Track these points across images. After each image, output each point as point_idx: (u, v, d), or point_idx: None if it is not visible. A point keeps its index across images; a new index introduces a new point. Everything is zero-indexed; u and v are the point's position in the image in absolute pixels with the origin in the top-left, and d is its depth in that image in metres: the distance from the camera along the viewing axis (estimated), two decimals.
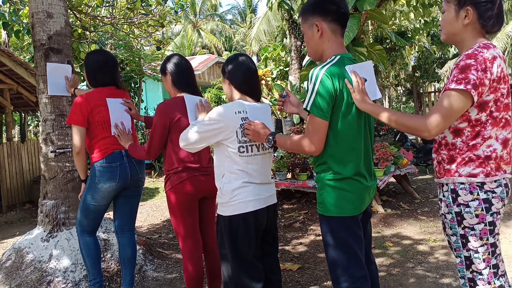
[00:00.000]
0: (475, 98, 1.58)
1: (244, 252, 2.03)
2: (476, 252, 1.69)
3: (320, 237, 4.35)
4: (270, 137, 1.96)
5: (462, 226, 1.70)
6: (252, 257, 2.05)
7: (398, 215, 5.10)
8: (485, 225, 1.67)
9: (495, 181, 1.67)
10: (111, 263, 3.33)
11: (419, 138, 10.73)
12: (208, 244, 2.62)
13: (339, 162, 1.79)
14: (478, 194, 1.66)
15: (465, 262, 1.73)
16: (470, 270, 1.73)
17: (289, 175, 5.48)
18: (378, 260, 3.51)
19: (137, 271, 3.36)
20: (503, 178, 1.70)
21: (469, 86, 1.56)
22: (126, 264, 2.87)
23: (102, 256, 3.23)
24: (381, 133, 7.39)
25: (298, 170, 5.33)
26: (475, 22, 1.68)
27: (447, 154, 1.74)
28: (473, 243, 1.69)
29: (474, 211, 1.66)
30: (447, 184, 1.73)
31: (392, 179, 6.17)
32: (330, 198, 1.80)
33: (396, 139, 8.57)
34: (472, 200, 1.67)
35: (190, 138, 2.06)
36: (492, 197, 1.66)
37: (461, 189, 1.68)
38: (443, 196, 1.76)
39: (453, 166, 1.71)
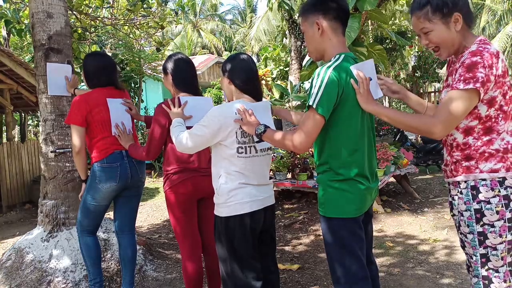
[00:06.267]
0: (482, 95, 1.60)
1: (241, 252, 2.02)
2: (495, 249, 1.68)
3: (320, 237, 4.36)
4: (261, 127, 1.91)
5: (481, 223, 1.68)
6: (249, 257, 2.04)
7: (398, 215, 5.10)
8: (505, 221, 1.66)
9: None
10: (111, 263, 3.33)
11: (419, 138, 10.72)
12: (208, 244, 2.61)
13: (341, 163, 1.78)
14: (499, 191, 1.65)
15: (481, 260, 1.72)
16: (486, 268, 1.71)
17: (289, 175, 5.48)
18: (378, 260, 3.51)
19: (137, 271, 3.36)
20: None
21: (478, 85, 1.57)
22: (126, 264, 2.88)
23: (102, 256, 3.22)
24: (381, 133, 7.39)
25: (298, 170, 5.32)
26: (463, 23, 1.72)
27: (462, 154, 1.72)
28: (492, 240, 1.68)
29: (495, 207, 1.65)
30: (465, 182, 1.71)
31: (392, 179, 6.18)
32: (332, 199, 1.79)
33: (396, 139, 8.57)
34: (493, 197, 1.66)
35: (188, 143, 2.05)
36: (511, 193, 1.65)
37: (482, 185, 1.67)
38: (461, 193, 1.74)
39: (473, 162, 1.69)
